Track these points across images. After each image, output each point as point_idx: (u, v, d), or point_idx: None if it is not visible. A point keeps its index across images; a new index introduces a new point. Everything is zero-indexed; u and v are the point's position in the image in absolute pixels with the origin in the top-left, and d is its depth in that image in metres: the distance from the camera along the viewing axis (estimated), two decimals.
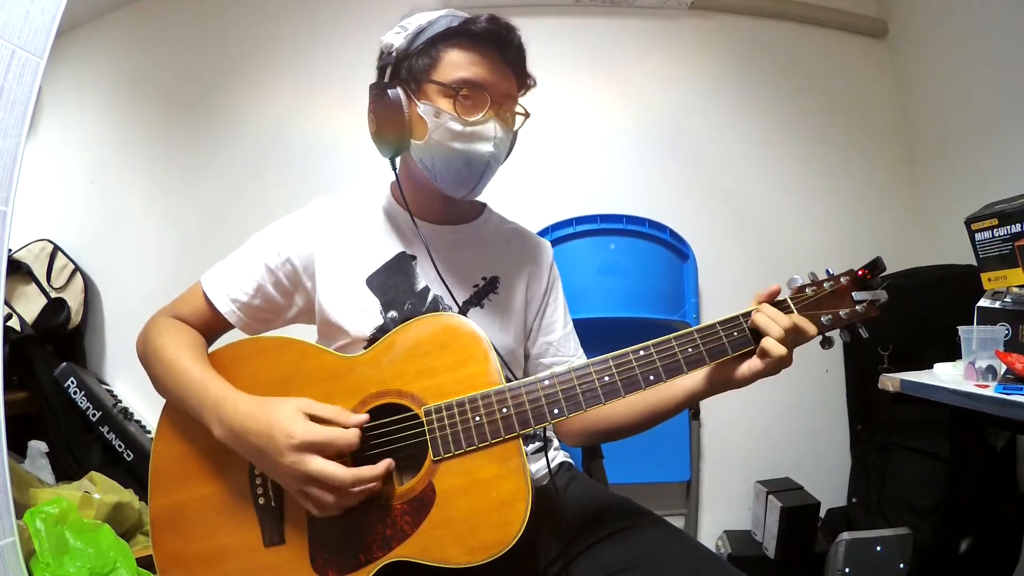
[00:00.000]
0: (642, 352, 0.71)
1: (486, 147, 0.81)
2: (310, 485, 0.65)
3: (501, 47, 0.82)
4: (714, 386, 0.76)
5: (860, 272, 0.74)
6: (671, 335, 0.72)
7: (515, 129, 0.87)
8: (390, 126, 0.81)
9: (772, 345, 0.68)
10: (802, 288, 0.75)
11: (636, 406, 0.82)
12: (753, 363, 0.71)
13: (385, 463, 0.67)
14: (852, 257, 0.83)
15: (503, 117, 0.83)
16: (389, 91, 0.80)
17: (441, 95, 0.80)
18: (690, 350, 0.71)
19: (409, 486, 0.69)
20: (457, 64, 0.80)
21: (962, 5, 1.69)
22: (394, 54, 0.82)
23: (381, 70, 0.84)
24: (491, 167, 0.83)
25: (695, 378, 0.76)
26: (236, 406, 0.69)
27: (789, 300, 0.74)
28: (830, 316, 0.73)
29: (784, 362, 0.70)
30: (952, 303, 1.25)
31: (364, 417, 0.69)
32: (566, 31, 1.87)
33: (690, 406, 0.83)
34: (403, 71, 0.83)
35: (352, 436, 0.67)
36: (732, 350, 0.71)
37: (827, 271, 0.75)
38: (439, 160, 0.81)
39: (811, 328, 0.71)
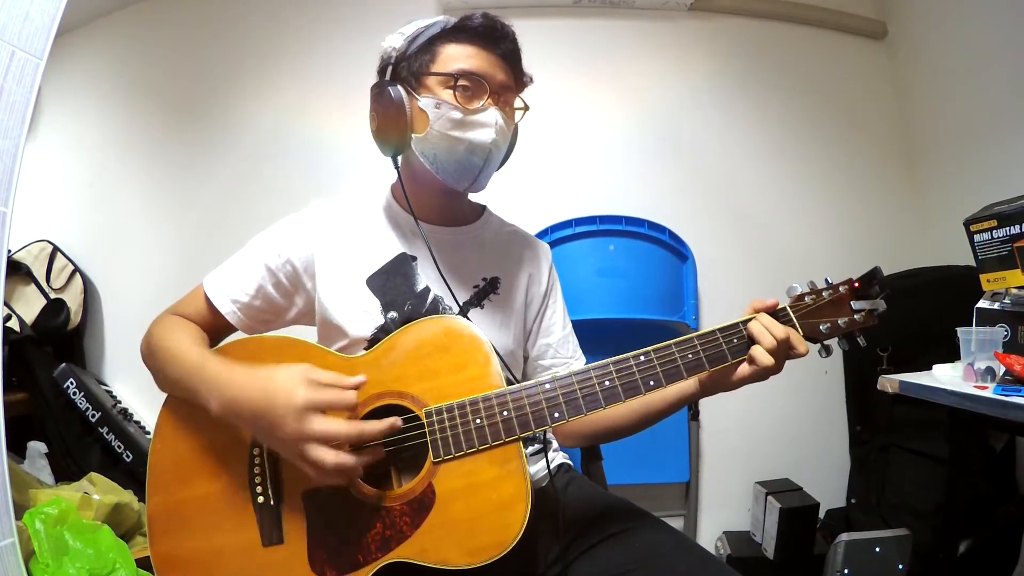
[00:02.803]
0: (643, 357, 0.71)
1: (487, 134, 0.81)
2: (311, 445, 0.63)
3: (496, 41, 0.84)
4: (705, 389, 0.78)
5: (858, 282, 0.74)
6: (671, 341, 0.72)
7: (515, 122, 0.88)
8: (391, 122, 0.82)
9: (760, 355, 0.70)
10: (801, 297, 0.75)
11: (632, 406, 0.82)
12: (742, 369, 0.72)
13: (389, 421, 0.66)
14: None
15: (503, 109, 0.84)
16: (390, 88, 0.82)
17: (441, 86, 0.82)
18: (690, 356, 0.71)
19: (409, 487, 0.69)
20: (455, 56, 0.83)
21: (961, 7, 1.69)
22: (393, 55, 0.85)
23: (381, 71, 0.86)
24: (493, 156, 0.84)
25: (687, 380, 0.76)
26: (232, 376, 0.69)
27: (788, 309, 0.74)
28: (828, 325, 0.73)
29: (772, 370, 0.71)
30: (951, 304, 1.25)
31: (362, 379, 0.69)
32: (565, 32, 1.87)
33: (682, 407, 0.84)
34: (403, 70, 0.85)
35: (352, 397, 0.66)
36: (731, 357, 0.72)
37: (826, 280, 0.76)
38: (441, 150, 0.82)
39: (802, 346, 0.72)
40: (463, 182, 0.85)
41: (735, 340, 0.72)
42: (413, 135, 0.83)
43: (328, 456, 0.63)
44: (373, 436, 0.66)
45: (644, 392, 0.70)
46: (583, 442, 0.98)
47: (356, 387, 0.68)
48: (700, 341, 0.72)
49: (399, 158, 0.87)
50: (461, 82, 0.81)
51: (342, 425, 0.64)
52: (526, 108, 0.89)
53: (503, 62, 0.85)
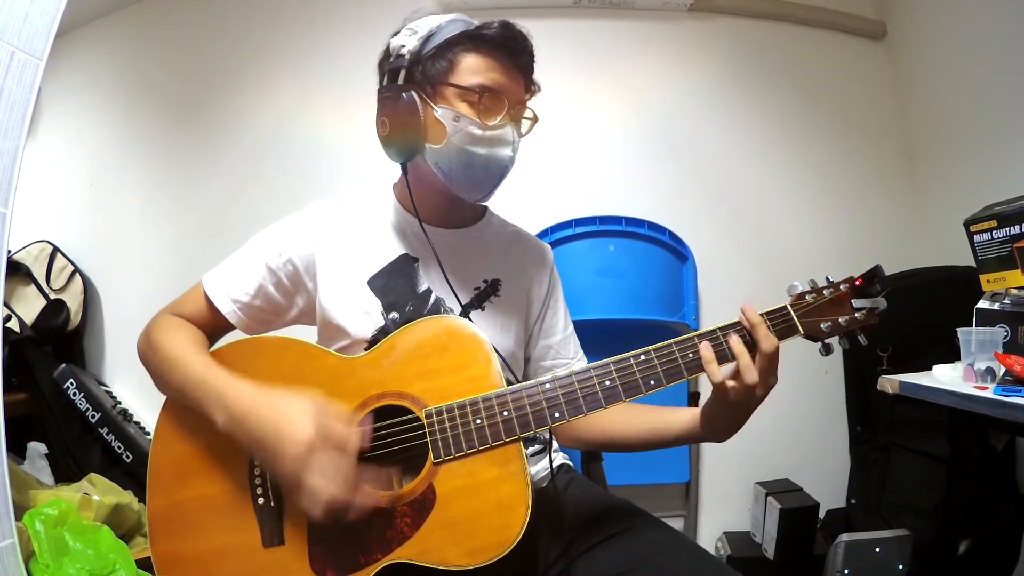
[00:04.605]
0: (643, 357, 0.71)
1: (506, 151, 0.81)
2: (301, 492, 0.64)
3: (516, 53, 0.82)
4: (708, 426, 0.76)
5: (859, 280, 0.74)
6: (672, 340, 0.72)
7: (524, 134, 0.87)
8: (405, 129, 0.79)
9: (746, 369, 0.68)
10: (802, 295, 0.75)
11: (640, 417, 0.83)
12: (734, 391, 0.70)
13: (376, 498, 0.66)
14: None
15: (516, 121, 0.84)
16: (404, 94, 0.79)
17: (460, 99, 0.80)
18: (691, 355, 0.71)
19: (409, 488, 0.69)
20: (475, 69, 0.80)
21: (960, 6, 1.69)
22: (406, 56, 0.80)
23: (392, 72, 0.82)
24: (508, 171, 0.83)
25: (692, 420, 0.77)
26: (240, 395, 0.69)
27: (789, 307, 0.74)
28: (830, 323, 0.73)
29: (757, 388, 0.69)
30: (951, 305, 1.25)
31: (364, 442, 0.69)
32: (566, 33, 1.87)
33: (683, 444, 0.83)
34: (417, 74, 0.81)
35: (356, 442, 0.66)
36: (732, 356, 0.71)
37: (827, 278, 0.75)
38: (457, 164, 0.80)
39: (751, 373, 0.69)
40: (476, 194, 0.84)
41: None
42: (428, 145, 0.80)
43: (313, 510, 0.64)
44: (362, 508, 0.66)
45: (645, 392, 0.70)
46: (583, 447, 0.98)
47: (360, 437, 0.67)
48: (701, 340, 0.72)
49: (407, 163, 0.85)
50: (483, 98, 0.79)
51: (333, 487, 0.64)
52: (535, 120, 0.87)
53: (520, 75, 0.84)
